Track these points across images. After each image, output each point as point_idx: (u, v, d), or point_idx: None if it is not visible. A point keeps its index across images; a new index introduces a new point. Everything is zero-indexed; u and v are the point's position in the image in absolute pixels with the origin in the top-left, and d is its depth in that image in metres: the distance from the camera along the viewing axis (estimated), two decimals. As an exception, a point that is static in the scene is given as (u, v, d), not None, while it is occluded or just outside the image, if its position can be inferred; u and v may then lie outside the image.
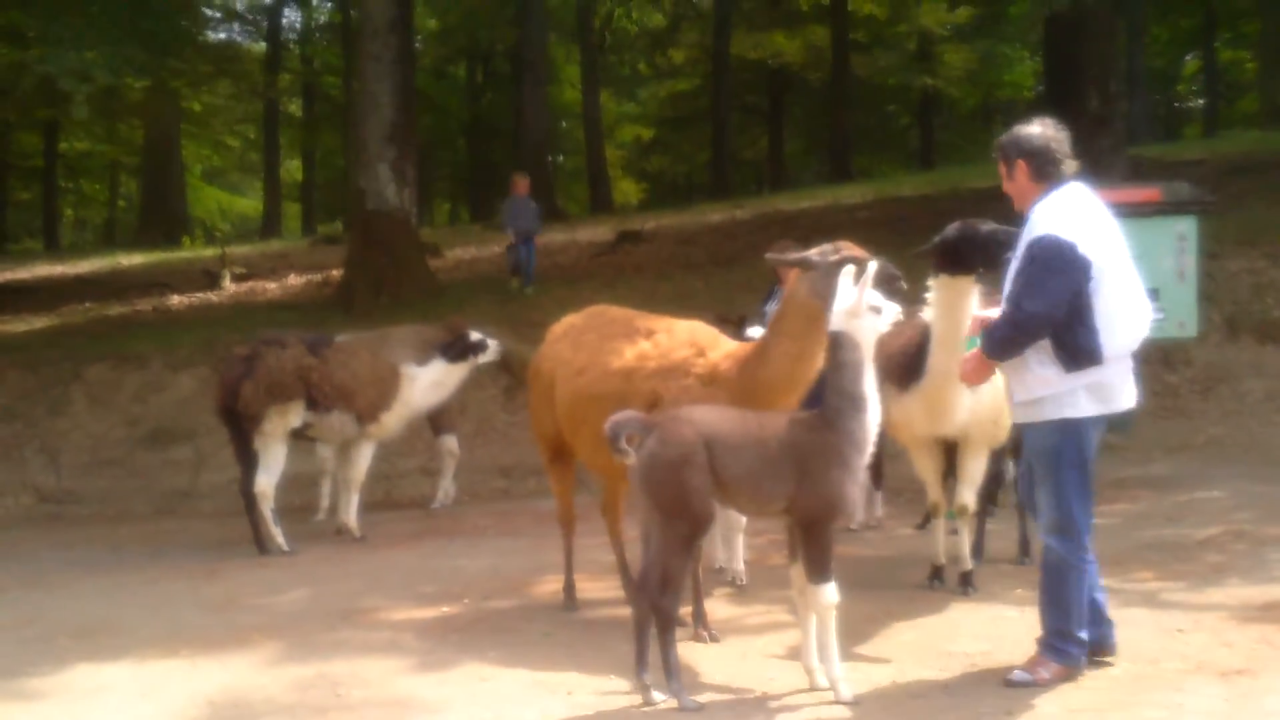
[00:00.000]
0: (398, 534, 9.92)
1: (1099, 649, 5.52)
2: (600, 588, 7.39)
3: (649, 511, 5.18)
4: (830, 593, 5.14)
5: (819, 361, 5.75)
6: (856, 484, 5.23)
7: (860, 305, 5.18)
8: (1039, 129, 5.52)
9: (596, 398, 6.20)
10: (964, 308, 6.25)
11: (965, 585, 7.05)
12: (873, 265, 5.21)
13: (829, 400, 5.22)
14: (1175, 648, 5.76)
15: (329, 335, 10.28)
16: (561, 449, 6.92)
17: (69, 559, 9.26)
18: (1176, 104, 49.15)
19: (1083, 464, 5.35)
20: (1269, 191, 17.83)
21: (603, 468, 6.56)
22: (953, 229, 6.25)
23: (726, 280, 15.94)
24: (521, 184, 18.11)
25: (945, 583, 7.17)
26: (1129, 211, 11.00)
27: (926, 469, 7.29)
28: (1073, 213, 5.33)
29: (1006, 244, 5.89)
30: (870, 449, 5.25)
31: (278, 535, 9.15)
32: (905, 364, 6.75)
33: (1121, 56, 22.88)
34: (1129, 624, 6.14)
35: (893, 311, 5.28)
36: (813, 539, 5.17)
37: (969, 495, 7.09)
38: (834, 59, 34.78)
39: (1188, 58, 43.61)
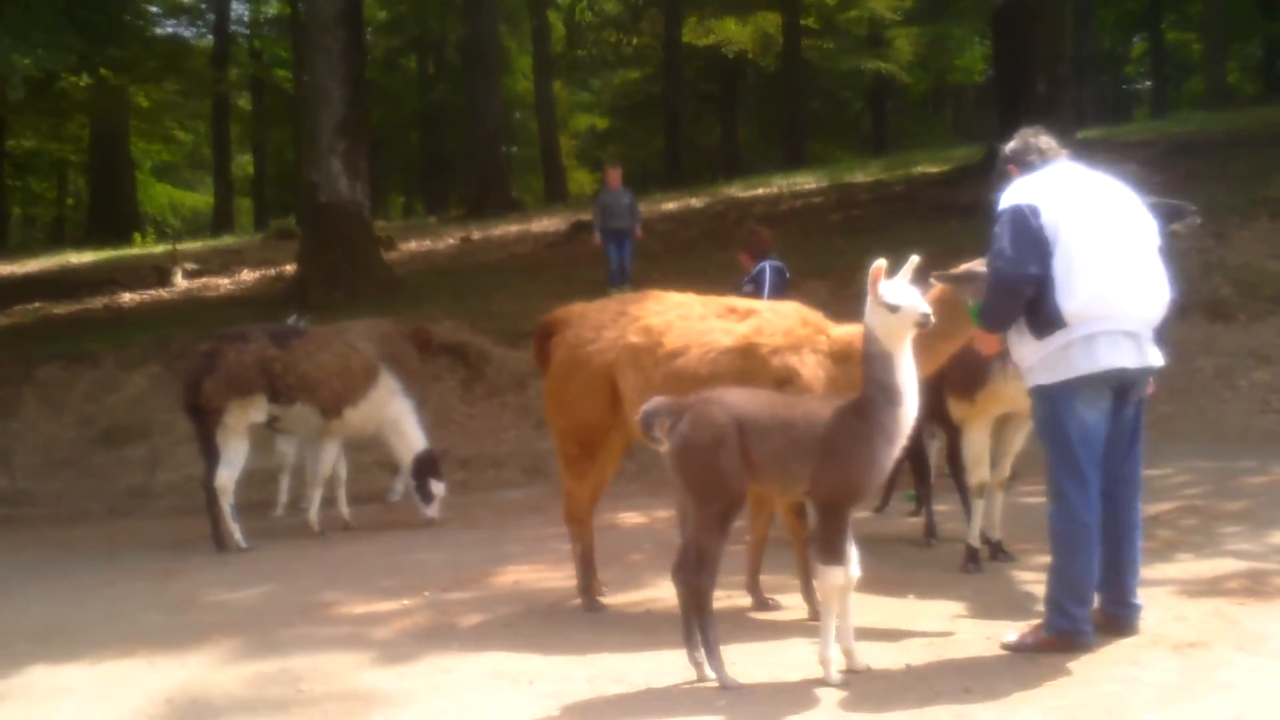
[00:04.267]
0: (357, 528, 9.89)
1: (1114, 626, 5.63)
2: (560, 577, 7.39)
3: (683, 494, 5.26)
4: (837, 575, 5.18)
5: (944, 361, 6.12)
6: (880, 473, 5.29)
7: (874, 303, 5.16)
8: (1016, 138, 5.94)
9: (706, 378, 6.06)
10: None
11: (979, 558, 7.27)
12: (880, 261, 5.16)
13: (865, 390, 5.25)
14: (1129, 622, 5.82)
15: (300, 327, 10.26)
16: (597, 441, 6.66)
17: (24, 562, 9.15)
18: (1125, 86, 49.68)
19: (1063, 432, 5.43)
20: (1216, 172, 18.08)
21: None
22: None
23: (682, 269, 15.95)
24: (614, 175, 16.58)
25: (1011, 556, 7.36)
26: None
27: (984, 447, 7.20)
28: (1036, 184, 5.53)
29: (1170, 217, 6.19)
30: (902, 441, 5.25)
31: (235, 532, 9.09)
32: None
33: (1069, 40, 23.08)
34: (1084, 600, 6.24)
35: (912, 308, 5.11)
36: (828, 520, 5.21)
37: (1009, 468, 7.46)
38: (785, 45, 34.90)
39: (1135, 40, 44.05)
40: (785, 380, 6.03)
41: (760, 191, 26.50)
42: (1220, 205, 15.41)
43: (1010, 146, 5.89)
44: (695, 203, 25.68)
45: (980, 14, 25.39)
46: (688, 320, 6.46)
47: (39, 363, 14.59)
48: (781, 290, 9.16)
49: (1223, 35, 35.42)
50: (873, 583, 6.32)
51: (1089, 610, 5.48)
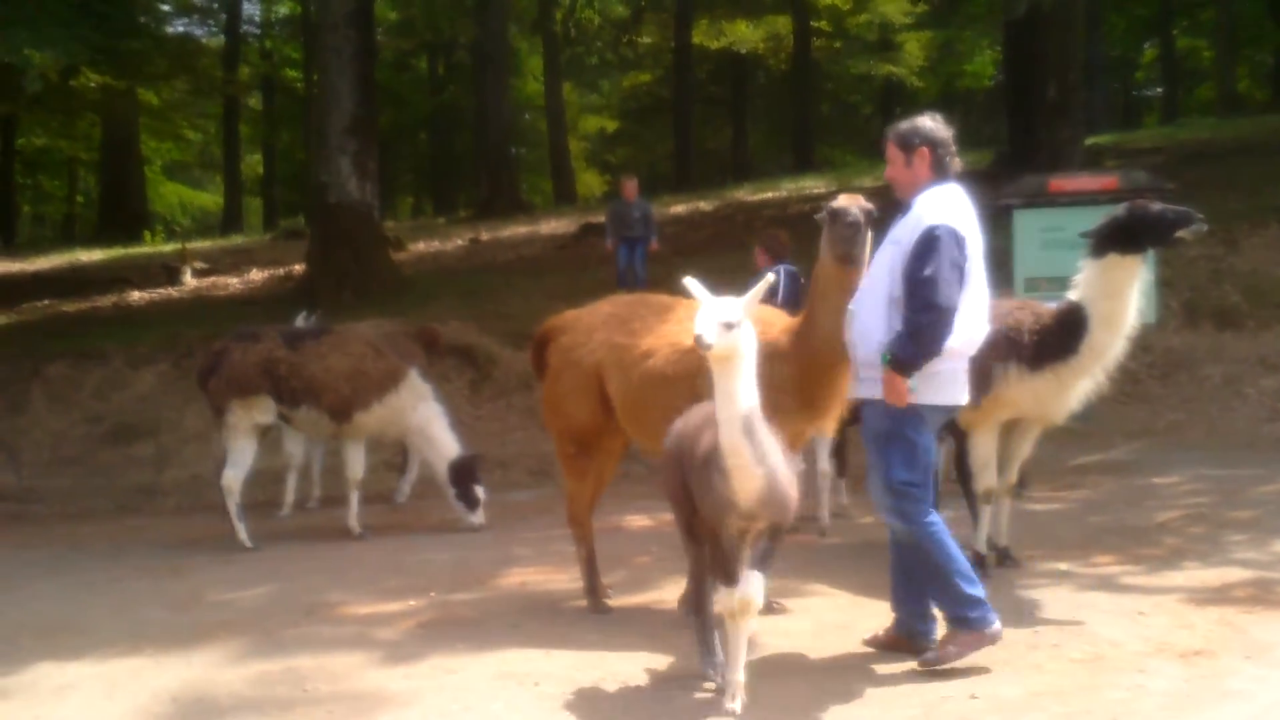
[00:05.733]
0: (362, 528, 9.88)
1: (911, 640, 5.58)
2: (566, 578, 7.39)
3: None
4: (722, 595, 5.00)
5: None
6: (715, 503, 4.89)
7: None
8: (935, 123, 5.58)
9: (670, 379, 6.16)
10: (1133, 288, 6.41)
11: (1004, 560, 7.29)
12: (686, 279, 5.06)
13: None
14: (1136, 630, 5.83)
15: (317, 326, 10.23)
16: (591, 442, 6.73)
17: (30, 559, 9.16)
18: (1135, 92, 49.59)
19: (912, 447, 5.36)
20: (1226, 179, 18.05)
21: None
22: (1124, 209, 6.42)
23: (691, 271, 15.89)
24: (629, 187, 16.51)
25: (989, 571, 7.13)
26: (1087, 199, 11.12)
27: (990, 453, 7.09)
28: (958, 208, 5.37)
29: (1177, 223, 6.26)
30: (740, 477, 4.79)
31: (241, 531, 9.08)
32: (1046, 344, 6.73)
33: (1080, 46, 23.06)
34: (1089, 607, 6.25)
35: (705, 339, 4.64)
36: (711, 543, 5.11)
37: (1016, 475, 7.43)
38: (796, 48, 34.89)
39: (1146, 46, 43.95)
40: None
41: (769, 195, 26.51)
42: (1230, 212, 15.39)
43: (930, 128, 5.53)
44: (704, 206, 25.69)
45: (994, 22, 25.39)
46: (665, 322, 6.51)
47: (47, 360, 14.63)
48: (795, 295, 9.17)
49: (1233, 42, 35.38)
50: (879, 588, 6.31)
51: (983, 588, 5.44)
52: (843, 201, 5.68)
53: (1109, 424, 11.57)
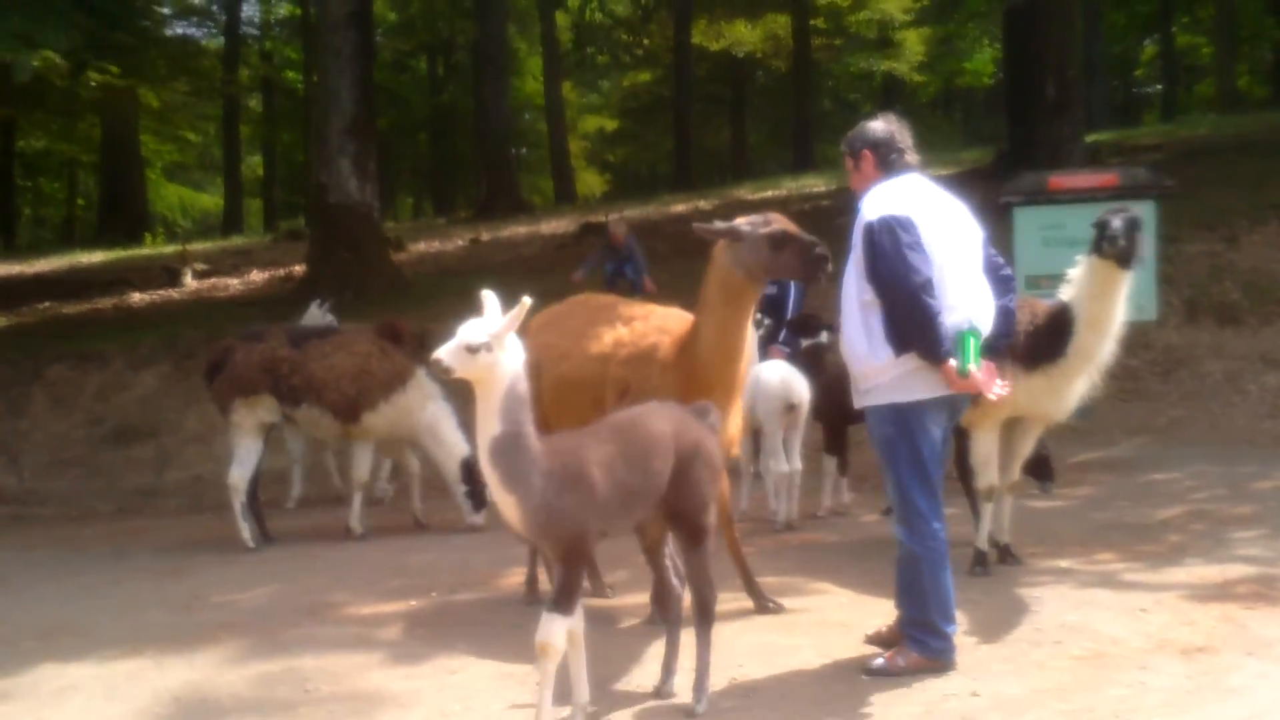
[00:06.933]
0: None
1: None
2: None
3: None
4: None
5: (745, 334, 5.86)
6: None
7: None
8: (882, 123, 5.58)
9: (576, 383, 6.21)
10: (1117, 291, 6.48)
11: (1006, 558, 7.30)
12: (484, 291, 4.77)
13: None
14: (1138, 627, 5.82)
15: (331, 326, 10.23)
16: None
17: (32, 560, 9.17)
18: (1134, 89, 49.55)
19: (917, 452, 5.27)
20: (1226, 175, 18.03)
21: None
22: (1118, 212, 6.48)
23: (689, 270, 15.90)
24: (615, 232, 15.83)
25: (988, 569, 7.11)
26: (1087, 197, 11.12)
27: (992, 451, 7.09)
28: (904, 196, 5.30)
29: (1108, 240, 6.34)
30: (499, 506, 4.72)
31: (244, 531, 9.08)
32: (1038, 344, 6.75)
33: (1079, 43, 23.05)
34: (1091, 604, 6.25)
35: (443, 363, 4.51)
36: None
37: (1018, 472, 7.42)
38: (795, 46, 34.88)
39: (1145, 42, 43.92)
40: (623, 392, 6.07)
41: (769, 194, 26.47)
42: (1230, 209, 15.40)
43: (875, 130, 5.54)
44: (704, 205, 25.65)
45: (993, 19, 25.38)
46: (585, 325, 6.53)
47: (48, 362, 14.63)
48: (801, 295, 9.39)
49: (1233, 39, 35.34)
50: (880, 586, 6.32)
51: (956, 627, 5.42)
52: (790, 225, 5.69)
53: (1110, 421, 11.58)
